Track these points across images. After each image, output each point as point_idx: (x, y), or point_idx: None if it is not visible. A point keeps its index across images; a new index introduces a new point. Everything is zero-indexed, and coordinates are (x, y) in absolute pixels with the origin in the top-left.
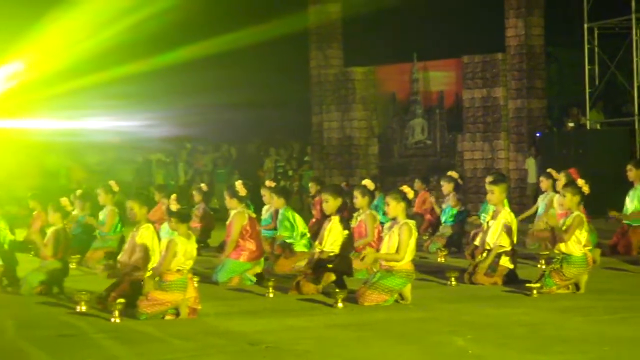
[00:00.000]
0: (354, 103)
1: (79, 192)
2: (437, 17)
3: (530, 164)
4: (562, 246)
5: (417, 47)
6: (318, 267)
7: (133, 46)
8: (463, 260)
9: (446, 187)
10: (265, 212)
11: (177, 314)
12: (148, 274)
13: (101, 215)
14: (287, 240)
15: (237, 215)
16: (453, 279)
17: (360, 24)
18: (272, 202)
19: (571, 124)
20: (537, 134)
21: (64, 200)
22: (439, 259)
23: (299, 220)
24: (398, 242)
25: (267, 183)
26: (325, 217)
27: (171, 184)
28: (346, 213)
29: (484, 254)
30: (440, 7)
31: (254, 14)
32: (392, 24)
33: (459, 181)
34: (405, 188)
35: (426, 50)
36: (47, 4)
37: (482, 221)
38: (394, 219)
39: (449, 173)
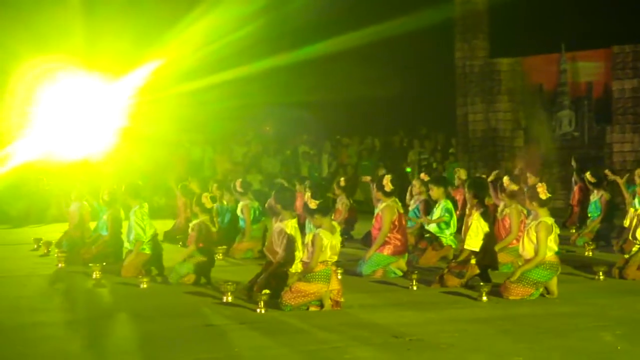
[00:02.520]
0: (499, 95)
1: (214, 187)
2: (585, 6)
3: None
4: None
5: (565, 37)
6: (463, 260)
7: (276, 40)
8: (611, 255)
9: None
10: (413, 205)
11: (321, 306)
12: (294, 267)
13: (238, 210)
14: (437, 234)
15: (387, 208)
16: (601, 273)
17: (506, 15)
18: (420, 194)
19: None
20: None
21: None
22: (586, 253)
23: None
24: (536, 240)
25: (422, 176)
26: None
27: (315, 175)
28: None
29: (635, 248)
30: None
31: (397, 5)
32: (540, 14)
33: (608, 173)
34: (540, 187)
35: (574, 41)
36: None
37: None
38: (535, 214)
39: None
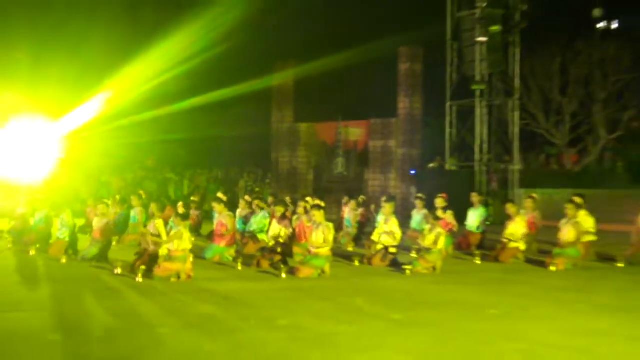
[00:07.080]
0: (299, 146)
1: (117, 197)
2: (355, 91)
3: (413, 190)
4: (426, 242)
5: (342, 110)
6: (271, 250)
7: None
8: (363, 250)
9: (351, 205)
10: (238, 216)
11: (178, 277)
12: (162, 251)
13: (133, 213)
14: (255, 233)
15: (229, 217)
16: (357, 261)
17: (306, 91)
18: (245, 209)
19: (432, 165)
20: (412, 172)
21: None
22: (348, 248)
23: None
24: (324, 236)
25: (247, 197)
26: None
27: (178, 194)
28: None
29: (378, 246)
30: (358, 85)
31: (243, 75)
32: (327, 93)
33: (360, 200)
34: (316, 201)
35: (348, 113)
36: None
37: (376, 225)
38: (320, 222)
39: (344, 199)
